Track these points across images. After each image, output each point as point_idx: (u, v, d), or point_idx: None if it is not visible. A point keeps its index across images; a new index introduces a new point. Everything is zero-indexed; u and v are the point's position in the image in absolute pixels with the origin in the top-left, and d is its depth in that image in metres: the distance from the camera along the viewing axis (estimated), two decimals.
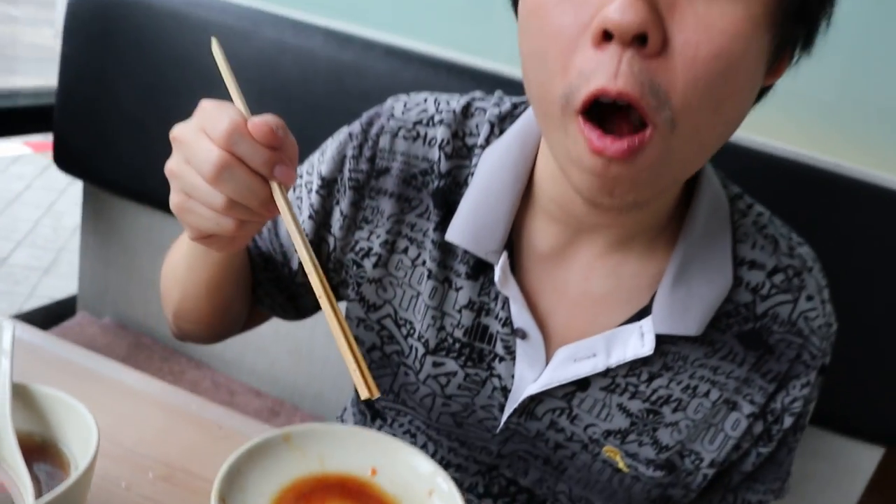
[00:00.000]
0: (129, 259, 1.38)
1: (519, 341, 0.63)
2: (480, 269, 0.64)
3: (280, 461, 0.53)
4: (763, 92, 0.56)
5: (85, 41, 1.22)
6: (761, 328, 0.62)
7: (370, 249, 0.67)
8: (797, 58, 0.55)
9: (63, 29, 1.24)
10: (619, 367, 0.62)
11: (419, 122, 0.66)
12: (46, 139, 1.30)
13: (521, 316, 0.63)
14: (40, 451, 0.52)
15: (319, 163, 0.70)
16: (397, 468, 0.55)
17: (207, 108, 0.52)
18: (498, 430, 0.67)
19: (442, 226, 0.64)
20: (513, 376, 0.64)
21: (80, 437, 0.51)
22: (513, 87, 0.78)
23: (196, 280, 0.67)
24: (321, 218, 0.69)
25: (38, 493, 0.48)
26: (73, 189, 3.75)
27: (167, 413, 0.66)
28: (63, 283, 2.93)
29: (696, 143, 0.50)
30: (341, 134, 0.69)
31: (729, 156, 0.92)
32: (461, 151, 0.65)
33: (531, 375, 0.64)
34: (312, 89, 1.08)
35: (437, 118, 0.66)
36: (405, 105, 0.68)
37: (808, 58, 0.56)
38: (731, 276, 0.61)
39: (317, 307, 0.77)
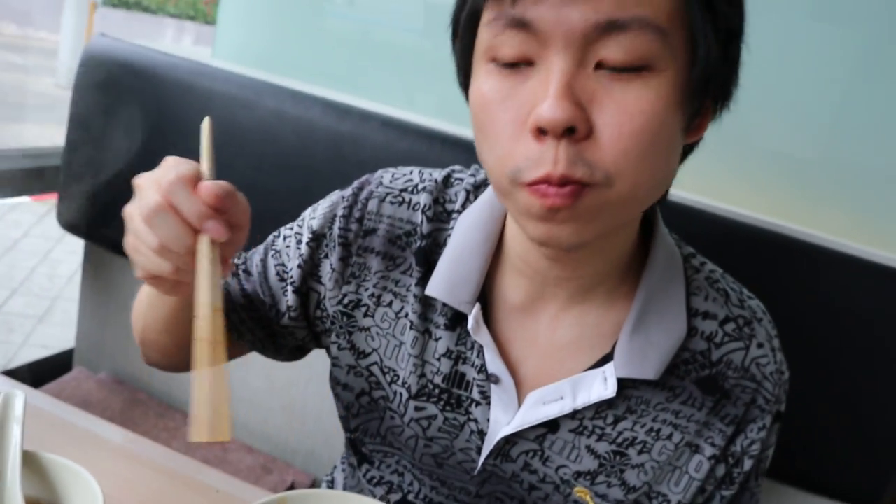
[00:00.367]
0: (126, 316, 1.40)
1: (493, 386, 0.69)
2: (457, 321, 0.70)
3: None
4: (691, 147, 0.65)
5: (93, 105, 1.28)
6: (717, 374, 0.68)
7: (359, 301, 0.74)
8: (718, 114, 0.63)
9: (72, 93, 1.29)
10: (586, 409, 0.67)
11: (405, 190, 0.73)
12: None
13: (493, 362, 0.69)
14: None
15: (311, 218, 0.76)
16: None
17: (167, 162, 0.59)
18: (476, 472, 0.71)
19: (423, 282, 0.71)
20: (488, 420, 0.70)
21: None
22: None
23: (155, 316, 0.74)
24: (309, 268, 0.75)
25: None
26: (70, 238, 3.78)
27: (167, 477, 0.69)
28: (58, 332, 2.94)
29: (632, 197, 0.57)
30: (333, 195, 0.76)
31: (690, 221, 0.97)
32: (441, 216, 0.72)
33: (505, 419, 0.69)
34: (311, 157, 1.12)
35: (420, 186, 0.73)
36: (393, 175, 0.75)
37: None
38: (685, 326, 0.67)
39: (295, 351, 0.83)
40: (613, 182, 0.54)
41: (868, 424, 0.96)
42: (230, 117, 1.18)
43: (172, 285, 0.61)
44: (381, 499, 0.79)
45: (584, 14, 0.52)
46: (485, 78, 0.57)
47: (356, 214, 0.73)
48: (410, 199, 0.73)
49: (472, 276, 0.69)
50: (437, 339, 0.71)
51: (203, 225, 0.56)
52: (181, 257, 0.57)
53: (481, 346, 0.69)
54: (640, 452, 0.68)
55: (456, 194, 0.73)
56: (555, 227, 0.57)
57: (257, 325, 0.79)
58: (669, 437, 0.68)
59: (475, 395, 0.70)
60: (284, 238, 0.78)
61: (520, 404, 0.69)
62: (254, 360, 1.31)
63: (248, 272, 0.79)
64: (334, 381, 0.77)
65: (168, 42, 12.25)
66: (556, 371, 0.69)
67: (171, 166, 0.58)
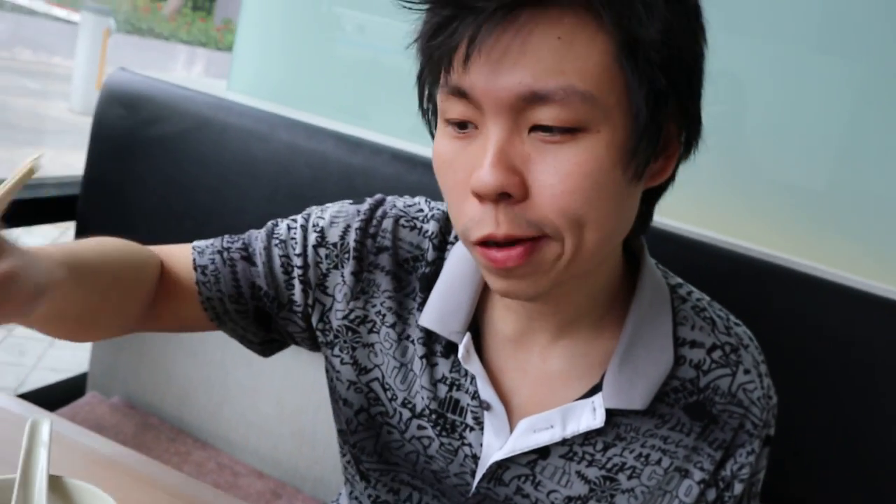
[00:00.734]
0: (140, 341, 1.43)
1: (486, 413, 0.71)
2: (452, 349, 0.72)
3: None
4: (661, 188, 0.66)
5: (112, 137, 1.32)
6: (705, 400, 0.70)
7: (366, 317, 0.75)
8: (688, 156, 0.65)
9: (92, 124, 1.34)
10: (576, 436, 0.69)
11: (416, 218, 0.76)
12: None
13: (485, 390, 0.70)
14: None
15: (318, 217, 0.77)
16: None
17: None
18: (471, 494, 0.73)
19: (422, 307, 0.73)
20: (481, 444, 0.71)
21: None
22: None
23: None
24: (316, 276, 0.75)
25: None
26: None
27: (183, 502, 0.71)
28: (68, 355, 2.97)
29: (585, 250, 0.59)
30: (344, 205, 0.78)
31: (694, 254, 1.00)
32: (443, 245, 0.75)
33: (497, 444, 0.71)
34: (324, 189, 1.16)
35: (429, 215, 0.76)
36: (405, 202, 0.78)
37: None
38: (672, 356, 0.69)
39: (272, 345, 0.81)
40: (562, 236, 0.57)
41: (866, 452, 0.98)
42: (245, 150, 1.22)
43: None
44: None
45: (509, 86, 0.54)
46: (440, 137, 0.61)
47: (371, 230, 0.75)
48: (421, 227, 0.75)
49: (463, 306, 0.71)
50: (433, 365, 0.73)
51: None
52: None
53: (474, 373, 0.71)
54: (629, 477, 0.70)
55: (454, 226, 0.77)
56: (513, 282, 0.60)
57: (245, 317, 0.77)
58: (658, 462, 0.70)
59: (469, 420, 0.72)
60: (289, 229, 0.77)
61: (511, 430, 0.70)
62: (263, 386, 1.34)
63: (249, 260, 0.77)
64: (336, 395, 0.79)
65: (180, 67, 12.42)
66: (548, 400, 0.70)
67: None
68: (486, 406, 0.71)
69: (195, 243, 0.79)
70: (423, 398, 0.73)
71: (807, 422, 0.98)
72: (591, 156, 0.55)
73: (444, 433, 0.73)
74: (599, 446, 0.69)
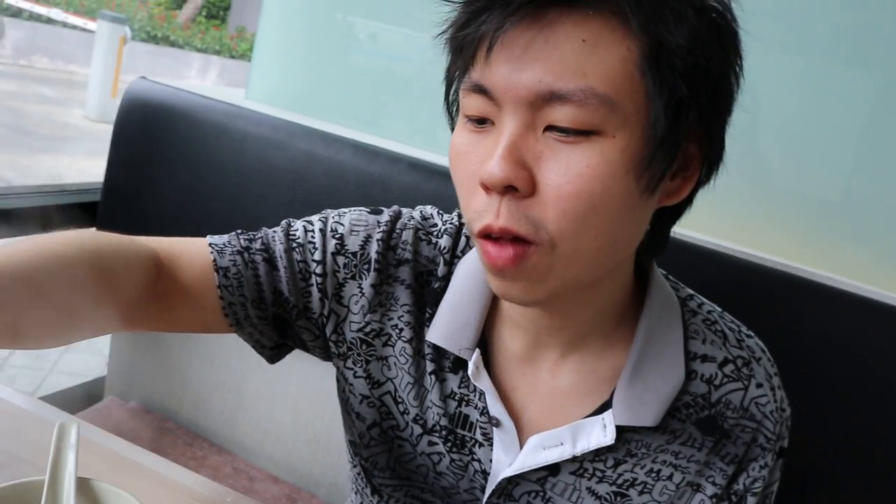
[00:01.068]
0: (158, 346, 1.45)
1: (495, 429, 0.70)
2: (460, 365, 0.71)
3: None
4: (678, 210, 0.66)
5: (132, 144, 1.34)
6: (716, 414, 0.69)
7: (381, 330, 0.74)
8: (708, 180, 0.64)
9: (112, 133, 1.36)
10: (586, 453, 0.68)
11: (430, 232, 0.75)
12: None
13: (494, 406, 0.70)
14: None
15: (335, 221, 0.74)
16: None
17: None
18: None
19: (430, 322, 0.73)
20: (491, 460, 0.71)
21: None
22: None
23: None
24: (333, 285, 0.73)
25: None
26: None
27: None
28: (83, 359, 3.00)
29: (579, 260, 0.58)
30: (363, 214, 0.76)
31: (709, 264, 1.00)
32: (453, 260, 0.74)
33: (507, 460, 0.70)
34: (341, 198, 1.17)
35: (442, 229, 0.75)
36: (421, 214, 0.77)
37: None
38: (683, 371, 0.68)
39: (283, 349, 0.77)
40: (556, 243, 0.57)
41: (880, 462, 0.98)
42: (263, 158, 1.23)
43: None
44: None
45: (528, 84, 0.55)
46: (458, 131, 0.62)
47: (392, 242, 0.74)
48: (436, 242, 0.75)
49: (471, 322, 0.71)
50: (442, 381, 0.72)
51: None
52: None
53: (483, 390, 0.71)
54: (640, 493, 0.69)
55: (462, 237, 0.75)
56: (507, 284, 0.60)
57: (265, 322, 0.75)
58: (670, 477, 0.69)
59: (478, 436, 0.71)
60: (305, 231, 0.74)
61: (521, 446, 0.70)
62: (279, 393, 1.35)
63: (271, 263, 0.73)
64: (349, 408, 0.78)
65: (194, 74, 12.51)
66: (558, 416, 0.70)
67: None
68: (495, 422, 0.70)
69: (210, 240, 0.74)
70: (433, 414, 0.72)
71: (821, 432, 0.98)
72: (604, 160, 0.55)
73: (454, 449, 0.72)
74: (610, 463, 0.69)
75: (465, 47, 0.59)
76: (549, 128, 0.56)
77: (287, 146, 1.22)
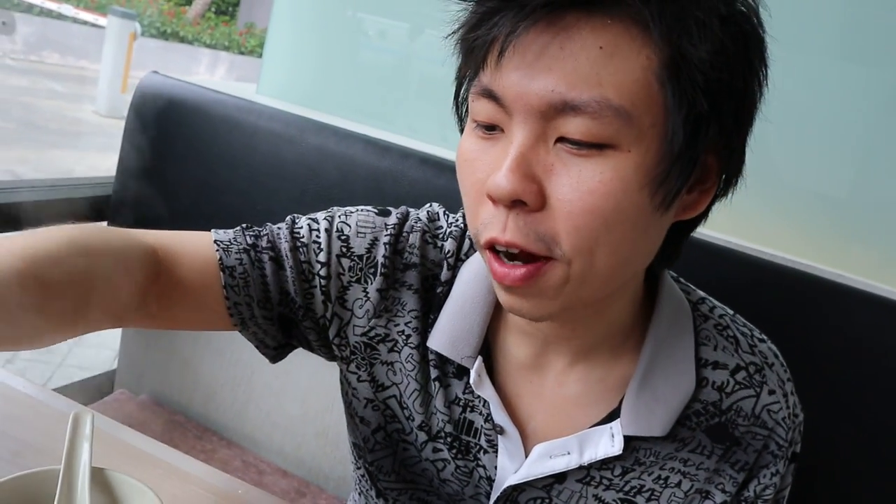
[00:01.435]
0: (168, 340, 1.46)
1: (499, 436, 0.69)
2: (464, 370, 0.70)
3: None
4: (693, 222, 0.63)
5: (144, 138, 1.34)
6: (727, 421, 0.68)
7: (387, 336, 0.72)
8: (725, 195, 0.62)
9: (124, 126, 1.36)
10: (593, 462, 0.67)
11: (436, 235, 0.73)
12: None
13: (498, 414, 0.69)
14: None
15: (341, 221, 0.72)
16: None
17: None
18: None
19: (433, 328, 0.71)
20: (496, 467, 0.70)
21: None
22: None
23: None
24: (336, 288, 0.71)
25: None
26: None
27: (215, 496, 0.72)
28: (93, 353, 3.01)
29: (593, 275, 0.56)
30: (369, 214, 0.73)
31: (721, 261, 1.00)
32: (457, 264, 0.72)
33: (512, 467, 0.69)
34: (352, 192, 1.17)
35: (447, 232, 0.73)
36: (428, 215, 0.74)
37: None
38: (693, 380, 0.67)
39: (287, 349, 0.76)
40: (570, 259, 0.54)
41: (894, 462, 0.98)
42: (275, 152, 1.24)
43: None
44: None
45: (541, 93, 0.52)
46: (466, 136, 0.59)
47: (399, 246, 0.71)
48: (442, 245, 0.73)
49: (474, 329, 0.69)
50: (446, 387, 0.71)
51: None
52: None
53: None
54: (648, 500, 0.68)
55: (466, 240, 0.73)
56: (517, 299, 0.57)
57: (270, 322, 0.73)
58: (678, 484, 0.68)
59: (483, 442, 0.70)
60: (310, 230, 0.72)
61: (526, 454, 0.69)
62: (289, 387, 1.36)
63: (278, 262, 0.71)
64: (352, 412, 0.77)
65: (203, 70, 12.54)
66: (564, 425, 0.68)
67: None
68: (499, 430, 0.69)
69: (216, 236, 0.71)
70: (438, 420, 0.71)
71: (833, 431, 0.97)
72: (617, 175, 0.52)
73: (459, 455, 0.71)
74: (618, 471, 0.68)
75: (475, 49, 0.56)
76: (561, 139, 0.53)
77: (298, 141, 1.22)
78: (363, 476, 0.80)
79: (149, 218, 1.33)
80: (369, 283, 0.71)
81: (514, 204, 0.54)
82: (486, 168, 0.56)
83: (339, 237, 0.71)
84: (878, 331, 0.96)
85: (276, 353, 0.77)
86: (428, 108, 1.48)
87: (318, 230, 0.72)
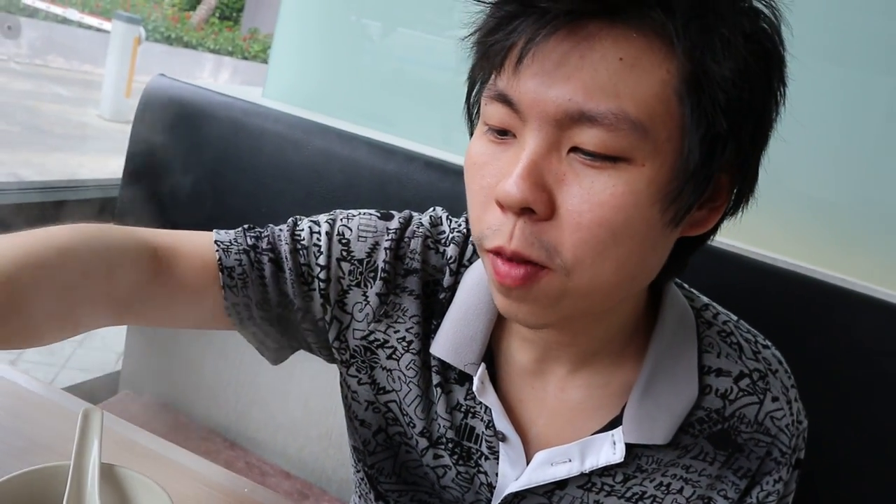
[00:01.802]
0: (172, 341, 1.46)
1: (501, 443, 0.69)
2: (466, 376, 0.70)
3: None
4: (701, 239, 0.63)
5: (150, 140, 1.35)
6: (729, 428, 0.67)
7: (386, 342, 0.72)
8: (736, 213, 0.61)
9: (131, 128, 1.37)
10: (594, 469, 0.67)
11: (438, 241, 0.72)
12: None
13: (500, 421, 0.69)
14: None
15: (342, 225, 0.72)
16: None
17: None
18: None
19: (435, 334, 0.70)
20: (497, 474, 0.70)
21: None
22: None
23: None
24: (336, 292, 0.71)
25: None
26: None
27: (222, 493, 0.73)
28: (96, 356, 3.02)
29: (595, 288, 0.55)
30: (371, 219, 0.73)
31: (724, 265, 1.00)
32: (459, 270, 0.72)
33: (513, 474, 0.69)
34: (357, 195, 1.18)
35: (450, 237, 0.72)
36: (430, 220, 0.73)
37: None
38: (696, 388, 0.66)
39: (287, 351, 0.76)
40: (571, 272, 0.54)
41: None
42: (280, 155, 1.25)
43: None
44: None
45: (557, 101, 0.51)
46: (477, 139, 0.58)
47: (400, 252, 0.71)
48: (444, 251, 0.72)
49: (477, 336, 0.68)
50: (448, 393, 0.71)
51: None
52: None
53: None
54: None
55: (469, 246, 0.73)
56: (513, 304, 0.57)
57: (269, 323, 0.73)
58: (680, 490, 0.68)
59: (484, 448, 0.70)
60: (311, 233, 0.72)
61: (528, 461, 0.69)
62: (292, 388, 1.36)
63: (277, 264, 0.71)
64: (352, 415, 0.76)
65: (206, 74, 12.58)
66: (566, 432, 0.68)
67: None
68: (501, 437, 0.69)
69: (216, 236, 0.71)
70: (439, 426, 0.71)
71: (837, 437, 0.98)
72: (629, 189, 0.52)
73: (460, 461, 0.71)
74: (619, 478, 0.68)
75: (492, 53, 0.55)
76: (575, 149, 0.53)
77: (304, 144, 1.23)
78: (363, 479, 0.80)
79: (155, 220, 1.34)
80: (369, 287, 0.71)
81: (523, 211, 0.53)
82: (495, 173, 0.55)
83: (339, 241, 0.71)
84: (882, 335, 0.96)
85: (276, 354, 0.78)
86: (430, 112, 1.49)
87: (318, 233, 0.71)
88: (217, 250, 0.70)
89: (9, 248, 0.56)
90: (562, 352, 0.68)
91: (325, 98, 1.55)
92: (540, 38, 0.51)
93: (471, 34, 0.58)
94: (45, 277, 0.57)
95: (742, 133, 0.54)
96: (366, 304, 0.71)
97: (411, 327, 0.71)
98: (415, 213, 0.75)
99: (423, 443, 0.72)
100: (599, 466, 0.66)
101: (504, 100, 0.54)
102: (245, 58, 14.52)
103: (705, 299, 0.73)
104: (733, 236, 1.09)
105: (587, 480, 0.68)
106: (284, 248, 0.71)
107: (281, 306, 0.72)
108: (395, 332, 0.71)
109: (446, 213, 0.75)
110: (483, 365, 0.68)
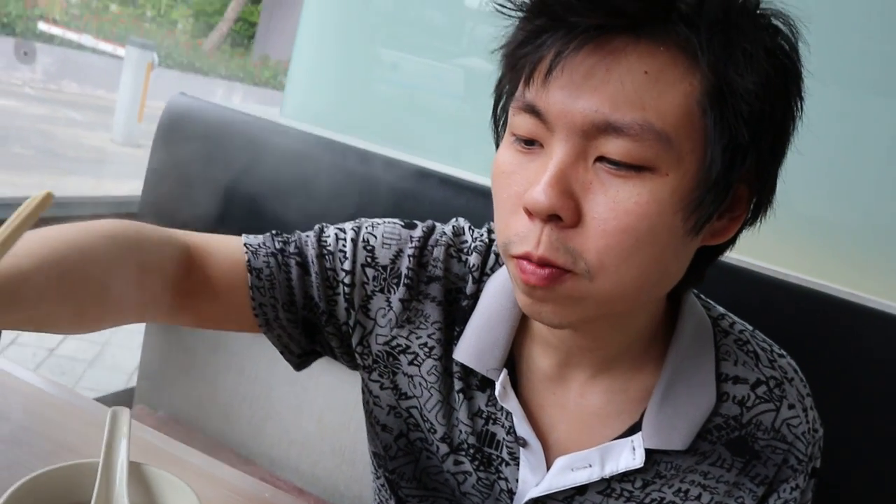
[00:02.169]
0: (188, 357, 1.48)
1: (522, 449, 0.70)
2: (488, 383, 0.71)
3: None
4: (720, 248, 0.65)
5: (170, 158, 1.38)
6: (746, 435, 0.69)
7: (408, 347, 0.73)
8: (754, 223, 0.63)
9: (151, 146, 1.40)
10: (614, 474, 0.68)
11: (461, 249, 0.74)
12: None
13: (521, 427, 0.70)
14: None
15: (368, 232, 0.74)
16: None
17: None
18: None
19: (458, 341, 0.72)
20: (517, 479, 0.71)
21: None
22: None
23: None
24: (360, 297, 0.73)
25: None
26: None
27: (244, 497, 0.74)
28: (107, 376, 3.03)
29: (617, 293, 0.57)
30: (396, 227, 0.75)
31: (735, 280, 1.02)
32: (482, 278, 0.74)
33: (534, 480, 0.70)
34: (373, 212, 1.19)
35: (472, 246, 0.74)
36: (453, 230, 0.76)
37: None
38: (714, 395, 0.68)
39: (311, 356, 0.78)
40: (595, 276, 0.56)
41: None
42: (299, 172, 1.27)
43: None
44: None
45: (585, 112, 0.53)
46: (504, 149, 0.60)
47: (423, 259, 0.73)
48: (466, 259, 0.74)
49: (500, 342, 0.70)
50: (470, 399, 0.72)
51: None
52: None
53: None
54: None
55: (491, 255, 0.75)
56: (536, 304, 0.59)
57: (294, 326, 0.75)
58: (698, 497, 0.69)
59: (504, 454, 0.71)
60: (337, 239, 0.74)
61: (548, 467, 0.69)
62: (306, 404, 1.37)
63: (304, 267, 0.73)
64: (373, 420, 0.77)
65: (217, 100, 12.73)
66: (587, 437, 0.69)
67: None
68: (522, 442, 0.70)
69: (246, 240, 0.74)
70: (460, 432, 0.72)
71: (850, 448, 0.98)
72: (653, 198, 0.54)
73: (481, 467, 0.72)
74: (638, 484, 0.69)
75: (521, 66, 0.57)
76: (601, 159, 0.55)
77: (321, 161, 1.25)
78: (383, 485, 0.81)
79: None
80: (392, 293, 0.72)
81: (550, 218, 0.55)
82: (522, 182, 0.57)
83: (364, 247, 0.73)
84: (892, 347, 0.97)
85: (300, 360, 0.79)
86: (440, 131, 1.51)
87: (344, 239, 0.73)
88: (246, 252, 0.72)
89: (55, 236, 0.58)
90: (583, 357, 0.69)
91: (338, 119, 1.58)
92: (569, 52, 0.53)
93: (500, 47, 0.60)
94: (84, 266, 0.58)
95: (762, 144, 0.56)
96: (389, 310, 0.73)
97: (433, 333, 0.72)
98: (438, 224, 0.76)
99: (444, 448, 0.73)
100: (619, 472, 0.67)
101: (532, 110, 0.56)
102: (256, 84, 14.70)
103: (721, 309, 0.75)
104: (745, 253, 1.11)
105: (607, 486, 0.69)
106: (311, 253, 0.73)
107: (306, 309, 0.74)
108: (418, 337, 0.73)
109: (468, 224, 0.77)
110: (505, 370, 0.70)
